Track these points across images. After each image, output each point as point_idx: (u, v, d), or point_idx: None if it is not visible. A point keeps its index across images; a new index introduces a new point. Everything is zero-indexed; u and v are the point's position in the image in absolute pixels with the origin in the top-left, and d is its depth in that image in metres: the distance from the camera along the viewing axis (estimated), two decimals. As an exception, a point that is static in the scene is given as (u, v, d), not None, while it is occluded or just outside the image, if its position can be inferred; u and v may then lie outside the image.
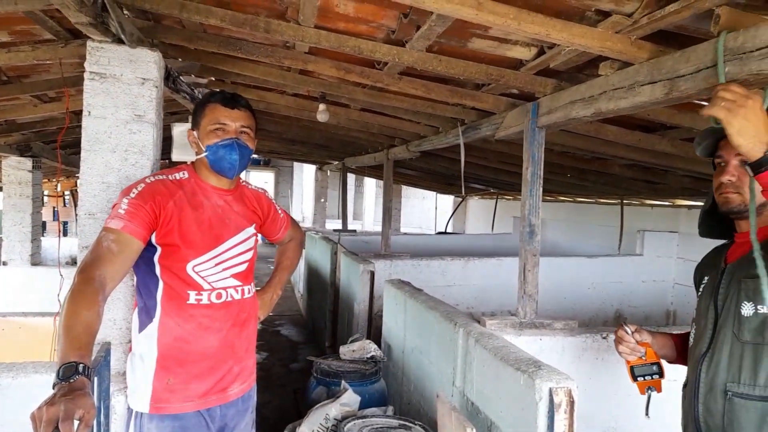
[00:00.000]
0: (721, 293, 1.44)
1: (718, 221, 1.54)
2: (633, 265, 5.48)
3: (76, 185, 10.63)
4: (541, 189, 2.56)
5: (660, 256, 5.51)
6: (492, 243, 7.47)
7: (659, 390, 1.56)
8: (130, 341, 1.78)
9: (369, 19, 2.11)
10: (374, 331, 4.08)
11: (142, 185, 1.66)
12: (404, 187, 12.55)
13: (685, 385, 1.53)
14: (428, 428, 2.21)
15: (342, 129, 4.67)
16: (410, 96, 3.10)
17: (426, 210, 15.58)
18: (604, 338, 2.47)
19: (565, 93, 2.32)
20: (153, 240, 1.63)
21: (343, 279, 4.86)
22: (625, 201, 6.11)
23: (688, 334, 1.63)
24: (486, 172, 5.99)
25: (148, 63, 2.02)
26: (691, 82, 1.60)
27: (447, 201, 12.70)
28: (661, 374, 1.56)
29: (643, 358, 1.57)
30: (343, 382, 2.74)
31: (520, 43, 2.15)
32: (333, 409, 2.49)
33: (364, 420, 2.32)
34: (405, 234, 9.42)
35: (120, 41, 1.98)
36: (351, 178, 16.12)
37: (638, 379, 1.57)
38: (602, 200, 6.69)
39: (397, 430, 2.24)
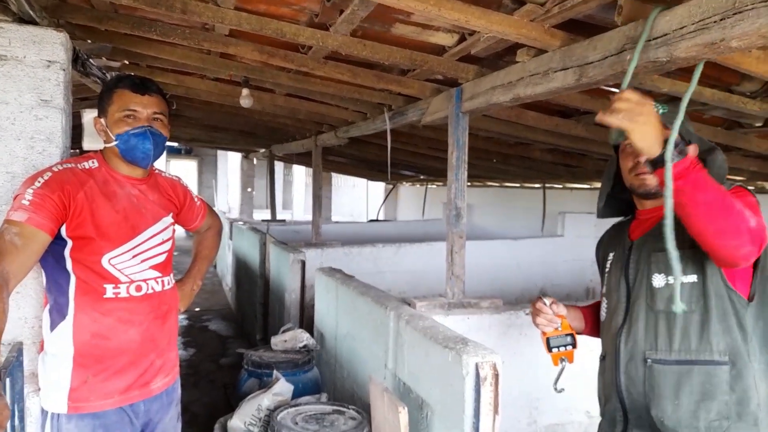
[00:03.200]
0: (631, 268, 1.52)
1: (618, 201, 1.64)
2: (555, 245, 5.77)
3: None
4: (466, 173, 2.64)
5: (579, 236, 5.84)
6: (423, 229, 7.62)
7: (571, 360, 1.63)
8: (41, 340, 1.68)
9: (291, 2, 2.08)
10: (307, 321, 4.07)
11: (49, 174, 1.57)
12: (335, 176, 12.52)
13: (603, 358, 1.63)
14: (362, 411, 2.24)
15: (267, 115, 4.58)
16: (337, 81, 3.09)
17: (357, 198, 15.62)
18: (527, 315, 2.59)
19: (486, 79, 2.39)
20: (63, 233, 1.55)
21: (273, 270, 4.80)
22: (546, 185, 6.41)
23: (595, 305, 1.74)
24: (416, 158, 6.08)
25: (54, 44, 1.89)
26: (598, 69, 1.70)
27: (378, 188, 12.79)
28: (574, 345, 1.64)
29: (559, 329, 1.64)
30: (275, 371, 2.72)
31: (442, 30, 2.19)
32: (265, 400, 2.47)
33: (297, 408, 2.32)
34: (336, 222, 9.42)
35: (21, 21, 1.84)
36: (279, 166, 15.88)
37: (553, 350, 1.63)
38: (527, 184, 6.99)
39: (330, 415, 2.26)
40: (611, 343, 1.55)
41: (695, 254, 1.37)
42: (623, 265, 1.55)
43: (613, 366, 1.53)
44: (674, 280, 1.33)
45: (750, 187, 1.39)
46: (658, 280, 1.45)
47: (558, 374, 1.65)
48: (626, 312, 1.51)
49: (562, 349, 1.62)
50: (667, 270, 1.40)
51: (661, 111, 1.32)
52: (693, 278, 1.39)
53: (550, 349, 1.63)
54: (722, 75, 2.24)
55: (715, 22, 1.34)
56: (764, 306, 1.40)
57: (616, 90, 2.79)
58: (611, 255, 1.63)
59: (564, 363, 1.63)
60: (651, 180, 1.45)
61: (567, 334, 1.63)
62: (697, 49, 1.40)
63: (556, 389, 1.65)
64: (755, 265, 1.37)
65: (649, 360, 1.44)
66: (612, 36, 1.66)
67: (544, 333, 1.65)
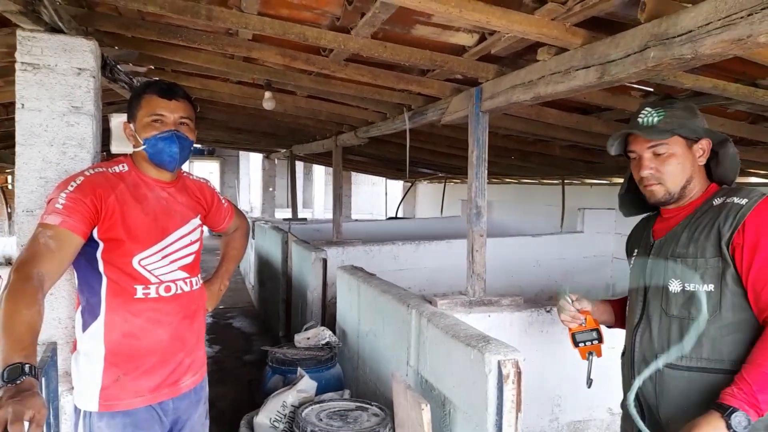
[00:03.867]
0: (649, 268, 1.54)
1: (639, 198, 1.66)
2: (575, 241, 5.73)
3: (6, 182, 10.04)
4: (486, 171, 2.64)
5: (599, 232, 5.79)
6: (441, 226, 7.61)
7: (599, 354, 1.67)
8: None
9: (313, 6, 2.10)
10: (328, 318, 4.10)
11: (81, 178, 1.60)
12: (354, 174, 12.56)
13: (623, 354, 1.65)
14: (384, 408, 2.27)
15: (289, 116, 4.62)
16: (357, 82, 3.11)
17: (376, 196, 15.65)
18: (548, 312, 2.59)
19: (506, 78, 2.39)
20: (95, 235, 1.58)
21: (295, 268, 4.85)
22: (566, 181, 6.35)
23: (625, 299, 1.75)
24: (434, 156, 6.08)
25: (84, 52, 1.95)
26: (621, 67, 1.70)
27: (397, 186, 12.79)
28: (600, 339, 1.67)
29: (584, 324, 1.67)
30: (299, 369, 2.76)
31: (463, 30, 2.20)
32: (290, 396, 2.51)
33: (321, 405, 2.35)
34: (356, 220, 9.45)
35: (53, 30, 1.90)
36: (299, 165, 15.98)
37: (579, 344, 1.67)
38: (545, 181, 6.93)
39: (354, 412, 2.29)
40: (629, 340, 1.59)
41: (716, 264, 1.40)
42: (643, 265, 1.57)
43: (629, 363, 1.57)
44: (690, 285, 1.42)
45: None
46: (674, 286, 1.47)
47: (588, 368, 1.69)
48: (642, 311, 1.54)
49: (588, 343, 1.66)
50: (684, 276, 1.44)
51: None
52: (710, 287, 1.40)
53: (576, 344, 1.67)
54: (747, 69, 2.20)
55: (741, 17, 1.32)
56: None
57: (639, 87, 2.77)
58: (636, 251, 1.65)
59: (592, 357, 1.67)
60: (659, 190, 1.51)
61: (592, 329, 1.67)
62: (723, 45, 1.39)
63: (589, 382, 1.70)
64: None
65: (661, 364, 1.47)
66: (635, 33, 1.66)
67: (570, 329, 1.68)
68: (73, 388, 1.70)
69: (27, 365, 1.21)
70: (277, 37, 2.30)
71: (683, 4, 1.55)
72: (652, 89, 2.77)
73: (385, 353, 2.70)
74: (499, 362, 1.72)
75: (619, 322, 1.77)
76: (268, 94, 3.32)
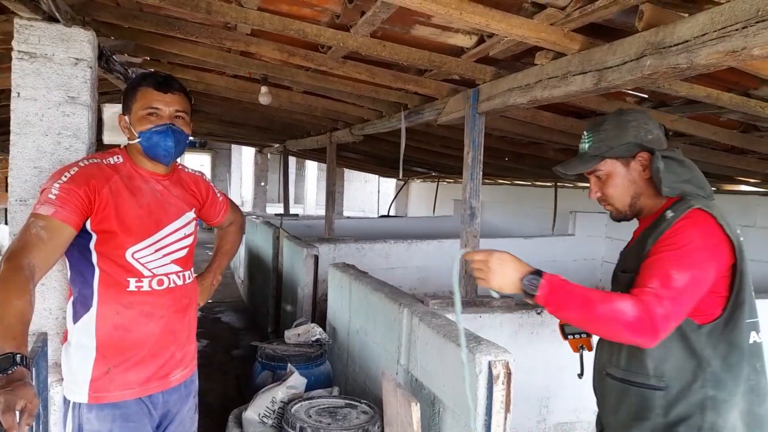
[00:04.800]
0: (612, 280, 1.64)
1: None
2: (565, 244, 5.77)
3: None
4: (481, 173, 2.66)
5: (590, 235, 5.83)
6: (433, 225, 7.63)
7: (590, 348, 1.68)
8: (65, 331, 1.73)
9: (313, 3, 2.11)
10: (319, 315, 4.11)
11: (75, 169, 1.59)
12: (346, 171, 12.55)
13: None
14: (374, 406, 2.28)
15: (284, 112, 4.62)
16: (354, 80, 3.12)
17: (368, 193, 15.64)
18: (539, 314, 2.61)
19: (503, 81, 2.41)
20: (88, 227, 1.58)
21: (286, 264, 4.84)
22: (558, 184, 6.39)
23: None
24: (428, 155, 6.09)
25: (82, 42, 1.94)
26: (617, 73, 1.72)
27: (389, 184, 12.81)
28: (589, 333, 1.68)
29: None
30: (289, 365, 2.76)
31: (462, 32, 2.21)
32: (279, 392, 2.51)
33: (310, 401, 2.36)
34: (348, 218, 9.46)
35: (51, 19, 1.88)
36: (292, 161, 15.92)
37: (569, 337, 1.69)
38: (538, 183, 6.97)
39: (343, 409, 2.29)
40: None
41: (633, 278, 1.43)
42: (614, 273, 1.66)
43: (593, 374, 1.67)
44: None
45: (703, 208, 1.42)
46: None
47: (580, 361, 1.72)
48: None
49: (577, 336, 1.68)
50: (624, 289, 1.45)
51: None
52: None
53: (565, 336, 1.69)
54: (741, 79, 2.23)
55: (736, 30, 1.35)
56: (731, 330, 1.38)
57: (634, 93, 2.79)
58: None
59: (583, 351, 1.69)
60: (611, 210, 1.59)
61: None
62: (718, 56, 1.41)
63: (579, 376, 1.74)
64: (731, 287, 1.39)
65: (605, 371, 1.56)
66: (632, 41, 1.68)
67: (559, 322, 1.71)
68: (62, 379, 1.70)
69: (18, 355, 1.20)
70: (275, 33, 2.30)
71: (680, 14, 1.57)
72: (647, 96, 2.80)
73: (376, 351, 2.71)
74: (489, 363, 1.74)
75: None
76: (264, 89, 3.32)
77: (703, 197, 1.46)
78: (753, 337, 1.40)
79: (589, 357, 1.71)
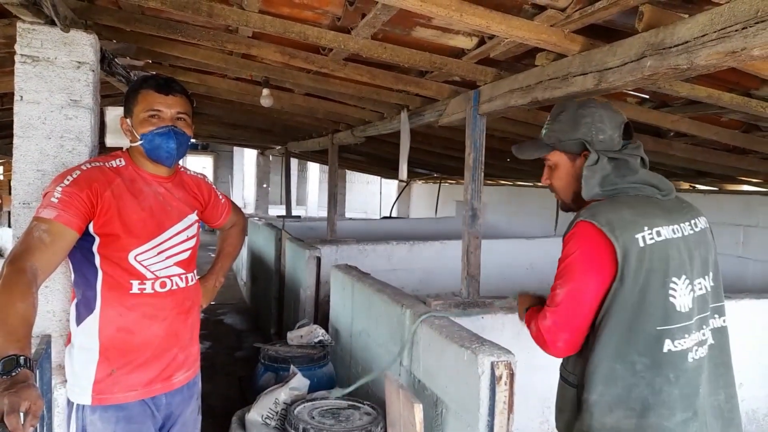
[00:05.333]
0: None
1: None
2: (555, 246, 5.73)
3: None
4: (482, 174, 2.66)
5: (592, 236, 5.80)
6: (436, 227, 7.63)
7: None
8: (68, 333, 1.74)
9: (314, 5, 2.11)
10: (321, 316, 4.11)
11: (78, 172, 1.60)
12: (349, 172, 12.56)
13: None
14: (377, 407, 2.28)
15: (286, 114, 4.62)
16: (355, 82, 3.12)
17: (370, 195, 15.65)
18: (541, 315, 2.61)
19: (504, 82, 2.41)
20: (90, 230, 1.58)
21: (289, 265, 4.85)
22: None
23: None
24: (430, 157, 6.10)
25: (84, 46, 1.95)
26: (618, 74, 1.72)
27: (391, 186, 12.81)
28: None
29: None
30: (291, 366, 2.76)
31: (462, 33, 2.22)
32: (282, 394, 2.51)
33: (313, 402, 2.36)
34: (350, 219, 9.45)
35: (53, 23, 1.89)
36: (294, 163, 15.94)
37: None
38: (540, 184, 6.97)
39: (346, 410, 2.30)
40: None
41: None
42: None
43: None
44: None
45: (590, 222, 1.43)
46: None
47: None
48: None
49: None
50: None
51: None
52: None
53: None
54: (742, 79, 2.24)
55: (736, 30, 1.35)
56: (635, 337, 1.36)
57: (635, 93, 2.79)
58: None
59: None
60: (560, 202, 1.63)
61: None
62: (718, 57, 1.41)
63: None
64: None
65: (559, 372, 1.60)
66: (632, 42, 1.68)
67: None
68: (66, 381, 1.70)
69: (22, 357, 1.21)
70: (277, 35, 2.31)
71: (680, 15, 1.57)
72: (648, 96, 2.80)
73: (378, 352, 2.71)
74: (492, 363, 1.74)
75: None
76: (266, 92, 3.33)
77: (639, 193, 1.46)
78: (668, 345, 1.34)
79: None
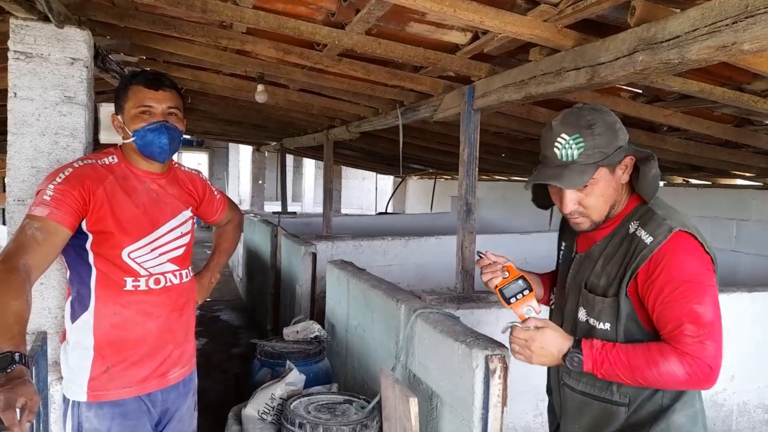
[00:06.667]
0: (568, 284, 1.52)
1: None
2: (551, 241, 5.75)
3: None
4: (477, 169, 2.67)
5: (587, 231, 5.82)
6: (431, 222, 7.64)
7: (537, 310, 1.45)
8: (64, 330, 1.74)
9: (308, 1, 2.11)
10: (317, 312, 4.12)
11: (70, 170, 1.60)
12: (344, 168, 12.54)
13: None
14: (372, 402, 2.29)
15: (281, 110, 4.62)
16: (350, 77, 3.12)
17: (366, 191, 15.65)
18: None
19: (498, 77, 2.42)
20: (83, 227, 1.59)
21: (284, 261, 4.85)
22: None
23: (555, 273, 1.68)
24: (425, 152, 6.11)
25: (78, 42, 1.94)
26: (610, 69, 1.73)
27: (387, 181, 12.82)
28: (530, 288, 1.46)
29: (507, 277, 1.48)
30: (287, 362, 2.77)
31: (456, 28, 2.22)
32: (278, 389, 2.52)
33: (309, 398, 2.37)
34: (346, 215, 9.46)
35: (47, 19, 1.89)
36: (289, 159, 15.92)
37: (511, 300, 1.45)
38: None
39: (342, 405, 2.31)
40: None
41: (613, 303, 1.37)
42: (565, 275, 1.55)
43: (550, 381, 1.61)
44: (590, 320, 1.43)
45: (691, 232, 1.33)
46: (582, 314, 1.45)
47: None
48: (562, 321, 1.52)
49: (519, 295, 1.45)
50: (589, 309, 1.42)
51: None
52: (607, 326, 1.38)
53: (507, 300, 1.46)
54: (733, 74, 2.25)
55: (727, 25, 1.36)
56: None
57: (628, 88, 2.81)
58: (564, 245, 1.62)
59: (530, 314, 1.44)
60: (584, 223, 1.41)
61: (517, 278, 1.47)
62: (708, 51, 1.42)
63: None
64: None
65: (562, 381, 1.52)
66: (624, 37, 1.69)
67: (495, 287, 1.48)
68: (62, 377, 1.71)
69: (17, 354, 1.21)
70: (271, 31, 2.31)
71: (672, 10, 1.58)
72: (641, 91, 2.81)
73: (374, 347, 2.73)
74: (486, 357, 1.75)
75: (546, 297, 1.68)
76: (260, 88, 3.32)
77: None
78: None
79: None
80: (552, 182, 1.37)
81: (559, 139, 1.34)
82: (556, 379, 1.56)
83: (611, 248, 1.41)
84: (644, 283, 1.31)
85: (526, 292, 1.46)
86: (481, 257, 1.54)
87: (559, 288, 1.60)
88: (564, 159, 1.34)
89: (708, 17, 1.40)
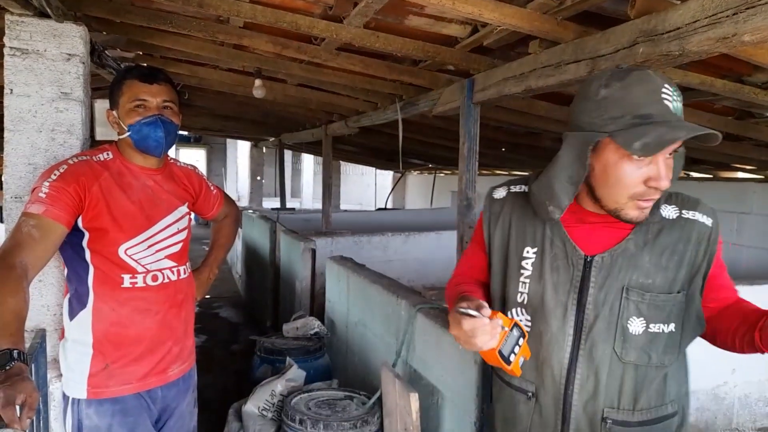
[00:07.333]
0: (591, 296, 1.18)
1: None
2: None
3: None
4: (477, 163, 2.66)
5: (587, 225, 5.82)
6: (431, 217, 7.63)
7: (528, 355, 1.18)
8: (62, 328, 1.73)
9: (305, -6, 2.10)
10: (317, 308, 4.12)
11: (65, 167, 1.59)
12: (343, 164, 12.54)
13: (529, 396, 1.25)
14: (373, 397, 2.29)
15: (279, 105, 4.60)
16: (348, 72, 3.11)
17: (365, 186, 15.64)
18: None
19: (498, 70, 2.41)
20: (79, 224, 1.58)
21: (284, 258, 4.85)
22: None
23: (484, 286, 1.38)
24: (424, 147, 6.09)
25: (74, 38, 1.92)
26: (610, 62, 1.72)
27: (386, 177, 12.81)
28: (524, 334, 1.16)
29: (504, 329, 1.12)
30: (288, 358, 2.77)
31: (455, 21, 2.21)
32: (279, 385, 2.52)
33: (310, 394, 2.37)
34: (345, 211, 9.46)
35: (42, 15, 1.87)
36: (288, 154, 15.91)
37: (511, 358, 1.12)
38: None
39: (342, 401, 2.31)
40: (551, 386, 1.22)
41: (682, 299, 1.18)
42: (576, 286, 1.20)
43: (556, 419, 1.21)
44: (655, 325, 1.17)
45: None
46: (636, 326, 1.16)
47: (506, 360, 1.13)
48: (576, 350, 1.19)
49: (517, 349, 1.14)
50: (649, 315, 1.16)
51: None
52: (672, 327, 1.18)
53: (508, 361, 1.12)
54: (734, 66, 2.24)
55: (727, 16, 1.35)
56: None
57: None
58: (530, 251, 1.25)
59: (523, 360, 1.16)
60: (643, 215, 1.15)
61: (512, 327, 1.14)
62: (709, 43, 1.41)
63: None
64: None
65: (609, 420, 1.17)
66: (624, 29, 1.68)
67: (491, 350, 1.10)
68: (61, 375, 1.70)
69: (15, 351, 1.21)
70: (268, 25, 2.29)
71: (672, 2, 1.57)
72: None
73: (374, 343, 2.72)
74: (486, 352, 1.75)
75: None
76: (258, 82, 3.31)
77: None
78: None
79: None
80: (681, 129, 1.04)
81: (665, 90, 1.07)
82: (584, 423, 1.20)
83: (657, 240, 1.18)
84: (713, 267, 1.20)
85: (521, 341, 1.15)
86: (473, 316, 1.08)
87: (543, 308, 1.23)
88: (678, 114, 1.07)
89: (708, 8, 1.40)
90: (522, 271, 1.26)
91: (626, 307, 1.17)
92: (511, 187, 1.35)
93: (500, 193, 1.36)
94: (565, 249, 1.22)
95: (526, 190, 1.30)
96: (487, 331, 1.08)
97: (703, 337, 1.25)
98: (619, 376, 1.17)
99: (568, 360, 1.20)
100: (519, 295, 1.26)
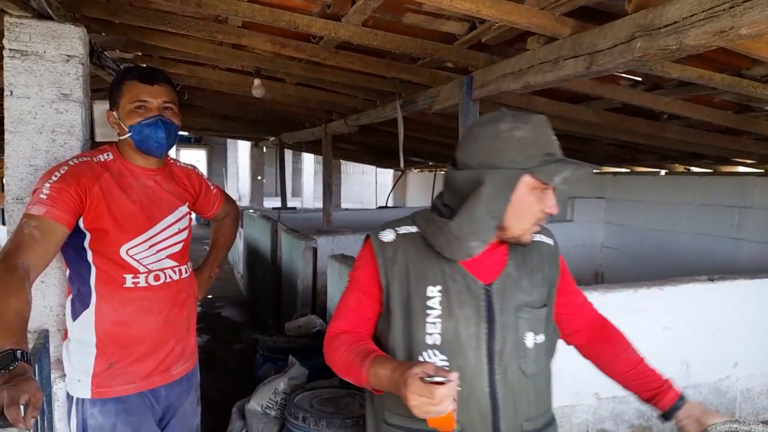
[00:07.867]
0: (498, 322, 1.23)
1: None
2: (564, 230, 5.77)
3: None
4: (476, 160, 2.66)
5: (588, 221, 5.84)
6: (431, 215, 7.62)
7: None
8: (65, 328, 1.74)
9: (303, -7, 2.10)
10: (319, 307, 4.13)
11: (65, 168, 1.59)
12: (344, 163, 12.54)
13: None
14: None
15: (278, 104, 4.61)
16: (347, 70, 3.11)
17: (366, 185, 15.64)
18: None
19: (496, 67, 2.41)
20: (81, 225, 1.58)
21: (285, 257, 4.85)
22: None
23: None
24: (425, 145, 6.09)
25: (73, 39, 1.92)
26: (608, 57, 1.72)
27: (387, 175, 12.81)
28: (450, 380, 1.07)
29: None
30: (290, 356, 2.78)
31: (453, 18, 2.21)
32: (282, 384, 2.53)
33: (313, 392, 2.37)
34: (346, 209, 9.46)
35: (41, 16, 1.87)
36: (288, 154, 15.90)
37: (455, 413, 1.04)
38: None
39: (345, 398, 2.31)
40: (479, 419, 1.23)
41: (548, 312, 1.32)
42: (483, 316, 1.23)
43: None
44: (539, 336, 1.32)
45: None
46: (529, 340, 1.26)
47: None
48: (491, 378, 1.23)
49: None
50: (535, 328, 1.27)
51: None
52: (543, 338, 1.29)
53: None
54: (732, 59, 2.24)
55: (724, 10, 1.35)
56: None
57: (627, 76, 2.79)
58: (433, 290, 1.24)
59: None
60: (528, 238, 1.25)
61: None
62: (706, 36, 1.41)
63: None
64: None
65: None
66: (622, 24, 1.68)
67: (449, 413, 1.03)
68: (65, 375, 1.71)
69: (19, 351, 1.21)
70: (267, 24, 2.30)
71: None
72: (640, 79, 2.80)
73: (376, 340, 2.72)
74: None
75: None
76: (257, 82, 3.31)
77: None
78: None
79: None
80: (568, 165, 1.19)
81: (553, 135, 1.25)
82: None
83: (524, 261, 1.30)
84: (560, 278, 1.40)
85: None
86: (441, 383, 1.02)
87: (459, 346, 1.23)
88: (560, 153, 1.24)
89: (705, 2, 1.40)
90: (428, 312, 1.24)
91: (522, 325, 1.26)
92: (397, 228, 1.33)
93: (388, 236, 1.31)
94: (466, 282, 1.25)
95: (415, 231, 1.31)
96: (451, 393, 1.02)
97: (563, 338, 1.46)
98: (526, 389, 1.27)
99: (489, 388, 1.23)
100: (428, 336, 1.23)
